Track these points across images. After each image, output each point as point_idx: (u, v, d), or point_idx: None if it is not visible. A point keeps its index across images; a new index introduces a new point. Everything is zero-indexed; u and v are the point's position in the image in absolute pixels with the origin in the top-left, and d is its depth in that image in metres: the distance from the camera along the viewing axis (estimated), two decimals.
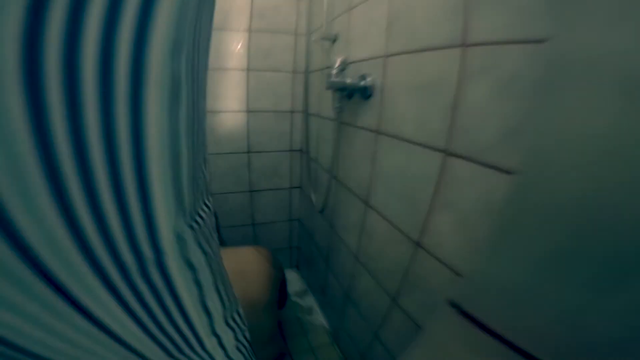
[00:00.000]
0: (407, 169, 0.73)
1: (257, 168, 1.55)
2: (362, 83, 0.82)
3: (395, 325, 0.87)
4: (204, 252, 0.26)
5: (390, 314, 0.88)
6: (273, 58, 1.37)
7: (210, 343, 0.29)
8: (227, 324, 0.32)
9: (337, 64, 0.82)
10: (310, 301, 1.71)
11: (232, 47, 1.29)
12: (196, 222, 0.25)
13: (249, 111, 1.41)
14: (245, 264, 0.96)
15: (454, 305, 0.54)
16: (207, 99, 1.13)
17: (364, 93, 0.84)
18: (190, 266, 0.24)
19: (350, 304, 1.18)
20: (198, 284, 0.26)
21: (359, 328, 1.14)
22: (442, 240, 0.65)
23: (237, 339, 0.34)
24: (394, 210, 0.80)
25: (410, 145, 0.71)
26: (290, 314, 1.59)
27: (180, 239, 0.22)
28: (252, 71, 1.36)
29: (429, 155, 0.65)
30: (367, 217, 0.93)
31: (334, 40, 1.03)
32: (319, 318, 1.58)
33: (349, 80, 0.83)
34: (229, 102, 1.38)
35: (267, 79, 1.39)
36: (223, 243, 1.07)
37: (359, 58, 0.88)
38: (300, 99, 1.46)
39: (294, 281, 1.87)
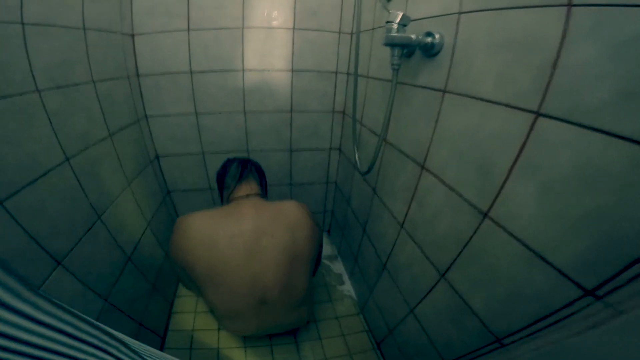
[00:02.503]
0: (481, 130, 0.64)
1: (298, 127, 1.51)
2: (429, 40, 0.73)
3: (438, 301, 0.83)
4: None
5: (435, 288, 0.83)
6: (319, 18, 1.29)
7: None
8: None
9: (397, 19, 0.73)
10: (339, 268, 1.71)
11: (278, 5, 1.24)
12: None
13: (293, 70, 1.36)
14: (291, 217, 0.97)
15: None
16: (255, 56, 1.24)
17: (429, 51, 0.75)
18: None
19: (386, 275, 1.14)
20: None
21: (392, 301, 1.10)
22: (519, 211, 0.57)
23: None
24: (457, 175, 0.72)
25: (488, 105, 0.62)
26: (318, 280, 1.60)
27: None
28: (298, 30, 1.29)
29: (513, 115, 0.56)
30: (421, 182, 0.86)
31: None
32: (347, 287, 1.58)
33: (414, 36, 0.74)
34: (275, 60, 1.33)
35: (312, 38, 1.32)
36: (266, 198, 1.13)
37: (424, 15, 0.79)
38: (345, 60, 1.40)
39: (325, 246, 1.87)
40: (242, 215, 0.93)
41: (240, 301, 0.94)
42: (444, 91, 0.74)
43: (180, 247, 0.92)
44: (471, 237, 0.69)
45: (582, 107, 0.46)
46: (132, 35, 1.16)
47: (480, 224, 0.66)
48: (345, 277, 1.63)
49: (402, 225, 0.99)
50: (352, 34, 1.34)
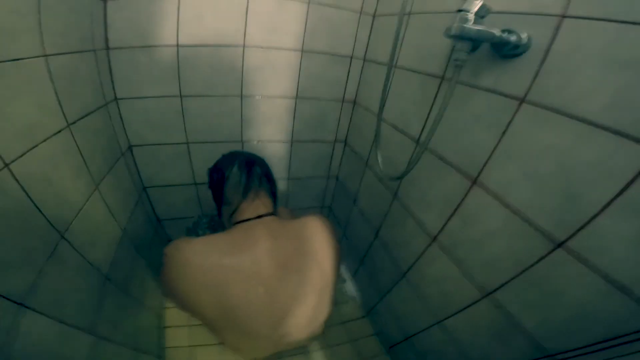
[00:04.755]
0: (572, 153, 0.58)
1: (303, 116, 1.37)
2: (513, 38, 0.62)
3: (477, 318, 0.81)
4: None
5: (474, 306, 0.81)
6: None
7: None
8: None
9: (475, 8, 0.61)
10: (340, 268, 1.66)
11: None
12: None
13: (303, 51, 1.19)
14: (316, 243, 0.82)
15: None
16: (260, 31, 1.10)
17: (509, 50, 0.65)
18: None
19: (405, 283, 1.10)
20: None
21: (411, 309, 1.08)
22: (607, 246, 0.54)
23: None
24: (527, 198, 0.66)
25: (590, 127, 0.55)
26: None
27: None
28: (314, 4, 1.12)
29: (623, 145, 0.50)
30: (470, 197, 0.80)
31: None
32: (349, 289, 1.54)
33: (496, 31, 0.62)
34: (283, 37, 1.15)
35: (328, 15, 1.15)
36: (275, 206, 0.92)
37: (504, 9, 0.67)
38: (363, 44, 1.27)
39: None
40: (257, 247, 0.75)
41: (258, 342, 0.81)
42: (522, 100, 0.65)
43: (178, 288, 0.74)
44: (535, 264, 0.66)
45: None
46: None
47: (550, 253, 0.63)
48: (347, 276, 1.58)
49: (434, 239, 0.94)
50: (374, 16, 1.20)
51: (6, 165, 0.55)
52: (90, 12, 0.87)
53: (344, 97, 1.37)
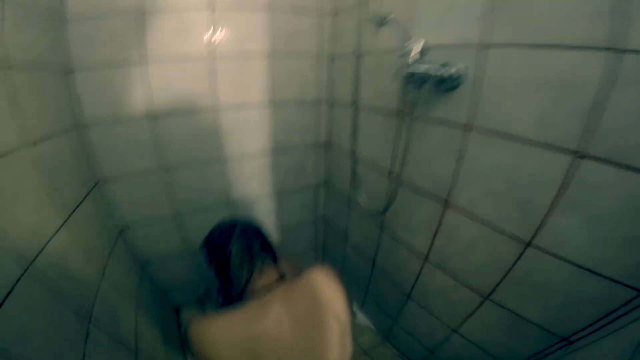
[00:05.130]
0: (515, 168, 0.72)
1: (284, 166, 1.47)
2: (446, 73, 0.76)
3: (486, 318, 0.91)
4: None
5: (480, 309, 0.92)
6: (298, 40, 1.26)
7: None
8: None
9: (418, 49, 0.75)
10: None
11: (253, 28, 1.17)
12: None
13: (274, 103, 1.31)
14: (328, 299, 0.84)
15: None
16: (232, 90, 1.21)
17: (448, 84, 0.78)
18: None
19: (411, 303, 1.19)
20: None
21: (426, 324, 1.17)
22: (565, 239, 0.67)
23: None
24: (493, 211, 0.80)
25: (522, 144, 0.69)
26: None
27: None
28: (273, 58, 1.24)
29: (551, 156, 0.65)
30: (446, 218, 0.93)
31: (383, 21, 0.96)
32: (361, 320, 1.60)
33: (431, 69, 0.75)
34: (252, 93, 1.26)
35: (291, 65, 1.29)
36: (277, 257, 0.93)
37: (435, 43, 0.81)
38: (326, 87, 1.40)
39: None
40: (274, 314, 0.78)
41: None
42: (468, 128, 0.79)
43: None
44: (514, 263, 0.78)
45: (623, 149, 0.54)
46: (70, 71, 0.96)
47: (523, 252, 0.76)
48: (356, 309, 1.65)
49: (425, 259, 1.05)
50: (332, 59, 1.34)
51: (26, 270, 0.60)
52: (58, 86, 0.90)
53: (318, 140, 1.49)
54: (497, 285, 0.84)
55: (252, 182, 1.43)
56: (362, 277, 1.51)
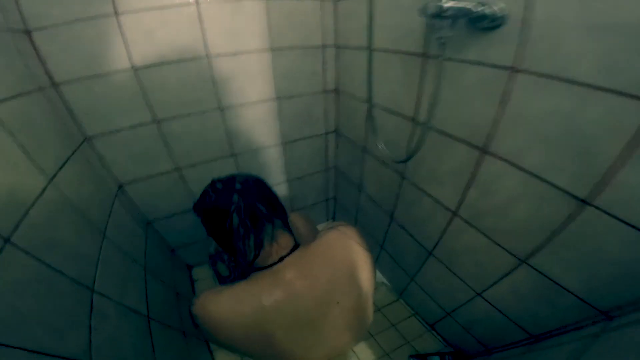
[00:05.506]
0: (575, 114, 0.57)
1: (288, 115, 1.31)
2: (488, 10, 0.60)
3: (518, 284, 0.81)
4: None
5: (513, 273, 0.80)
6: None
7: None
8: None
9: None
10: None
11: None
12: None
13: (272, 49, 1.12)
14: (348, 261, 0.73)
15: None
16: (223, 37, 1.01)
17: (486, 23, 0.62)
18: None
19: (433, 261, 1.09)
20: None
21: (446, 285, 1.08)
22: (632, 199, 0.53)
23: None
24: (543, 161, 0.64)
25: (585, 88, 0.54)
26: None
27: None
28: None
29: (622, 102, 0.50)
30: (483, 167, 0.77)
31: None
32: (377, 275, 1.53)
33: (472, 6, 0.60)
34: (248, 40, 1.07)
35: (288, 8, 1.08)
36: (287, 215, 0.77)
37: None
38: (332, 31, 1.19)
39: None
40: (291, 290, 0.66)
41: None
42: (515, 70, 0.63)
43: (219, 343, 0.70)
44: (564, 224, 0.65)
45: None
46: (28, 32, 0.81)
47: (576, 211, 0.62)
48: None
49: (455, 213, 0.91)
50: (336, 0, 1.13)
51: (7, 240, 0.51)
52: (16, 48, 0.77)
53: (324, 88, 1.32)
54: (539, 248, 0.71)
55: (256, 132, 1.29)
56: (378, 231, 1.40)
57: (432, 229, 1.04)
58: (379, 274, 1.52)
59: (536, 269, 0.74)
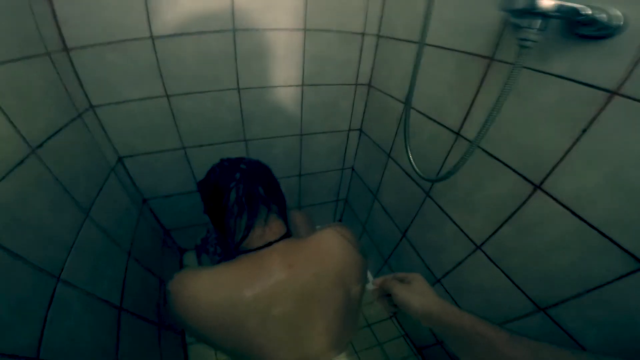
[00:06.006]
0: None
1: (312, 104, 1.19)
2: (603, 17, 0.46)
3: (528, 328, 0.73)
4: None
5: (526, 318, 0.73)
6: None
7: None
8: None
9: None
10: None
11: None
12: None
13: (306, 30, 1.00)
14: (338, 261, 0.70)
15: None
16: (250, 9, 0.90)
17: (594, 31, 0.49)
18: None
19: (439, 289, 1.00)
20: None
21: None
22: None
23: None
24: (606, 212, 0.54)
25: None
26: None
27: None
28: None
29: None
30: (530, 205, 0.66)
31: None
32: (370, 285, 1.45)
33: (581, 7, 0.45)
34: (279, 15, 0.95)
35: None
36: (286, 206, 0.77)
37: None
38: (375, 18, 1.06)
39: None
40: (271, 279, 0.63)
41: None
42: (614, 92, 0.49)
43: (188, 326, 0.63)
44: (608, 283, 0.55)
45: None
46: None
47: (631, 273, 0.52)
48: (369, 276, 1.49)
49: (479, 247, 0.81)
50: None
51: None
52: (30, 9, 0.69)
53: (357, 80, 1.19)
54: (564, 300, 0.63)
55: (273, 120, 1.18)
56: (385, 243, 1.31)
57: (446, 257, 0.95)
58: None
59: (553, 319, 0.66)
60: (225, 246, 0.92)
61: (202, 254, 1.08)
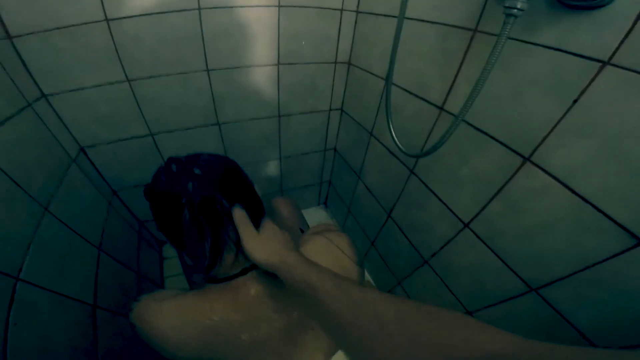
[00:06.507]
0: None
1: (289, 84, 1.13)
2: None
3: (520, 310, 0.72)
4: None
5: (517, 299, 0.71)
6: None
7: None
8: None
9: None
10: None
11: None
12: None
13: (280, 5, 0.92)
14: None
15: None
16: None
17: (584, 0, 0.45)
18: None
19: (427, 270, 0.99)
20: None
21: (437, 297, 0.99)
22: None
23: None
24: (601, 185, 0.51)
25: None
26: None
27: None
28: None
29: None
30: (519, 179, 0.63)
31: None
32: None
33: None
34: None
35: None
36: (263, 213, 0.58)
37: None
38: None
39: (323, 220, 1.67)
40: (253, 313, 0.53)
41: None
42: (605, 62, 0.46)
43: (163, 353, 0.53)
44: (603, 261, 0.53)
45: None
46: None
47: (628, 250, 0.50)
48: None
49: (466, 225, 0.79)
50: None
51: None
52: None
53: (336, 58, 1.13)
54: (559, 280, 0.61)
55: (248, 101, 1.11)
56: (371, 225, 1.29)
57: (434, 237, 0.92)
58: (364, 271, 1.43)
59: (545, 300, 0.64)
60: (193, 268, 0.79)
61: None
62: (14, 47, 0.74)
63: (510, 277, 0.71)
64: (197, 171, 0.51)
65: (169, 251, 1.43)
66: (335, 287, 0.39)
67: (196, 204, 0.48)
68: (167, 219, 0.51)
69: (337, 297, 0.38)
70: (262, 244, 0.49)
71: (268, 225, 0.52)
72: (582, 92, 0.50)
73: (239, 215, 0.50)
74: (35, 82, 0.81)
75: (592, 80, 0.48)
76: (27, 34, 0.74)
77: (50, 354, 0.57)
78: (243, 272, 0.54)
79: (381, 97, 1.02)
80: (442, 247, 0.90)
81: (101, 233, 0.93)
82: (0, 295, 0.51)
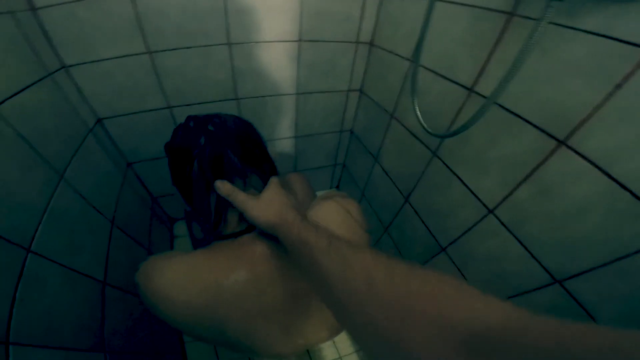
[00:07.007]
0: None
1: (309, 62, 1.10)
2: None
3: (540, 301, 0.69)
4: None
5: (539, 291, 0.69)
6: None
7: None
8: None
9: None
10: None
11: None
12: None
13: None
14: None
15: None
16: None
17: None
18: None
19: (444, 258, 0.97)
20: None
21: None
22: None
23: None
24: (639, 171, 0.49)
25: None
26: None
27: None
28: None
29: None
30: (553, 162, 0.61)
31: None
32: None
33: None
34: None
35: None
36: (276, 174, 0.63)
37: None
38: None
39: None
40: (255, 273, 0.52)
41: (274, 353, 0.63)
42: None
43: (163, 319, 0.53)
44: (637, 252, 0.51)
45: None
46: None
47: None
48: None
49: (491, 211, 0.77)
50: None
51: None
52: None
53: (358, 38, 1.10)
54: (589, 270, 0.58)
55: (267, 77, 1.09)
56: (386, 210, 1.28)
57: (454, 223, 0.90)
58: None
59: (569, 292, 0.63)
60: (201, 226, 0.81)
61: (192, 222, 1.03)
62: (37, 18, 0.74)
63: (534, 267, 0.69)
64: (210, 127, 0.55)
65: (181, 228, 1.44)
66: (330, 245, 0.39)
67: (206, 157, 0.51)
68: (179, 172, 0.55)
69: (330, 254, 0.38)
70: (262, 204, 0.49)
71: (272, 187, 0.52)
72: (627, 78, 0.48)
73: (225, 189, 0.50)
74: (56, 54, 0.80)
75: (638, 66, 0.46)
76: (51, 6, 0.73)
77: (55, 333, 0.55)
78: (249, 230, 0.55)
79: (405, 78, 0.99)
80: (462, 235, 0.88)
81: (114, 207, 0.93)
82: (10, 269, 0.49)
